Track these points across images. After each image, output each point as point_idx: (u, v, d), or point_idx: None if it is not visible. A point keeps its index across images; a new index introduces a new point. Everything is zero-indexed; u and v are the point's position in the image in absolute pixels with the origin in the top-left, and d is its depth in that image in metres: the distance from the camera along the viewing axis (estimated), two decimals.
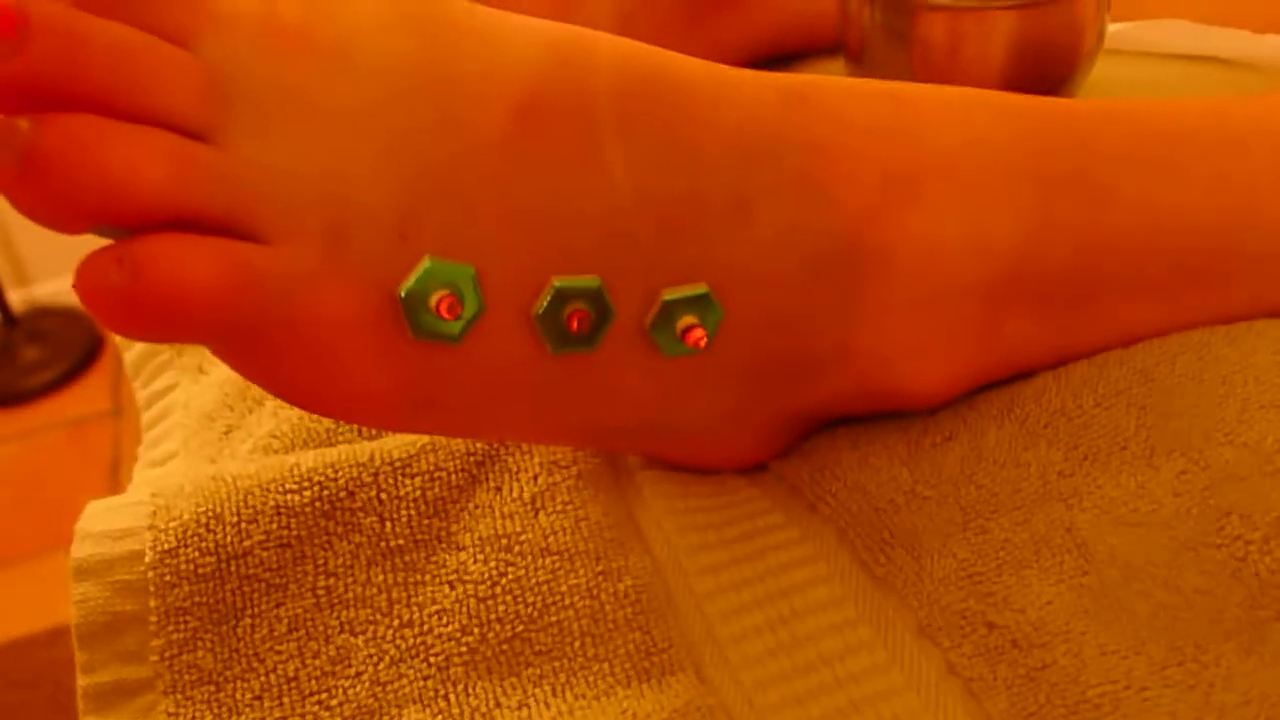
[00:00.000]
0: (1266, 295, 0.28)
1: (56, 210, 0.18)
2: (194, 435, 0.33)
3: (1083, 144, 0.27)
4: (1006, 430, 0.27)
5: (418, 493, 0.27)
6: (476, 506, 0.27)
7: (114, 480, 1.41)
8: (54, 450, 1.48)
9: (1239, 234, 0.28)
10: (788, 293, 0.24)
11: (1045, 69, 0.35)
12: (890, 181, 0.25)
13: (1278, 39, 0.44)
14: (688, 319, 0.23)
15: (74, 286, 0.19)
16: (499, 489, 0.27)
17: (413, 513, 0.27)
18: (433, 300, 0.20)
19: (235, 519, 0.26)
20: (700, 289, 0.23)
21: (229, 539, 0.26)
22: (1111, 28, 0.43)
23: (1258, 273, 0.28)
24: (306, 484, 0.27)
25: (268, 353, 0.20)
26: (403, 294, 0.20)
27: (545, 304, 0.22)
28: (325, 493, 0.27)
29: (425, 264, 0.21)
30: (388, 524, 0.26)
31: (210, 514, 0.26)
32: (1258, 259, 0.28)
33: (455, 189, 0.21)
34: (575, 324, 0.22)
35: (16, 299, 1.72)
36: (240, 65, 0.20)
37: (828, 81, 0.26)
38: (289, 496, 0.27)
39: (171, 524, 0.26)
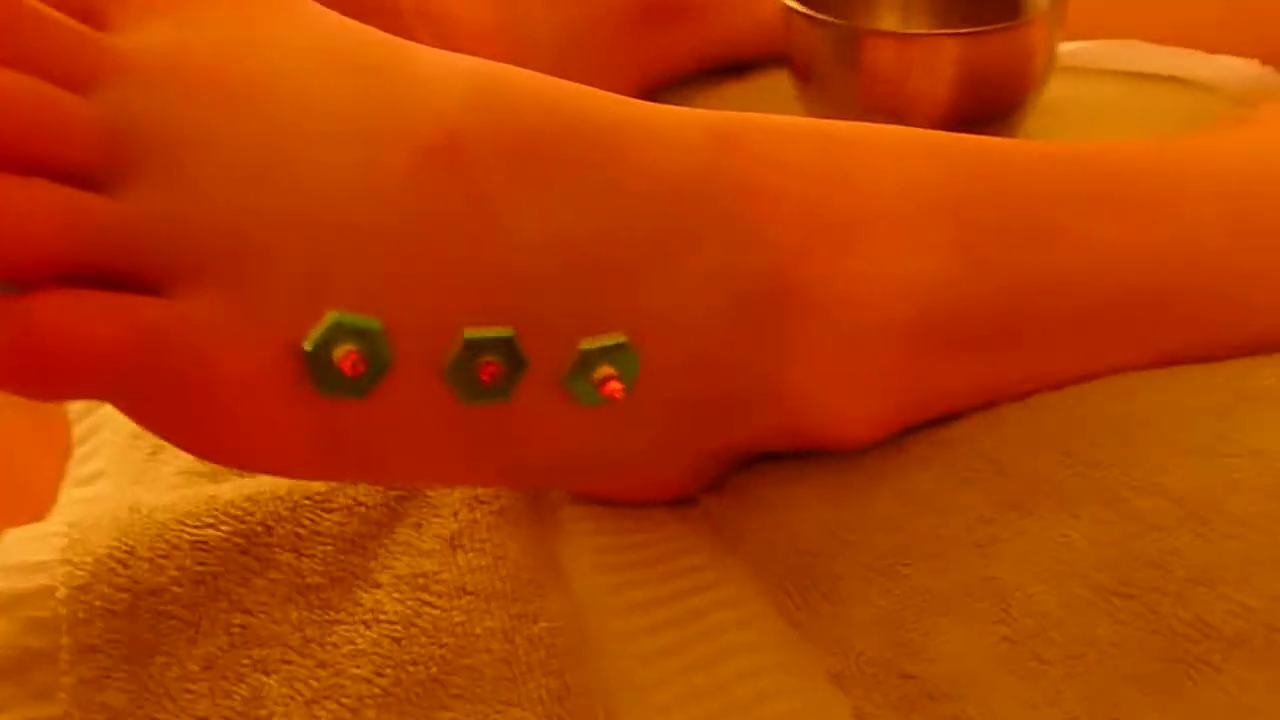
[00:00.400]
0: (1202, 336, 0.28)
1: None
2: (121, 455, 0.32)
3: (1018, 186, 0.27)
4: (932, 474, 0.27)
5: (336, 528, 0.27)
6: (395, 543, 0.26)
7: None
8: (14, 433, 1.46)
9: (1176, 272, 0.28)
10: (713, 335, 0.24)
11: (994, 95, 0.35)
12: (820, 224, 0.24)
13: (1230, 60, 0.44)
14: (605, 370, 0.22)
15: None
16: (419, 525, 0.27)
17: (330, 549, 0.26)
18: (337, 355, 0.20)
19: (150, 554, 0.26)
20: (618, 338, 0.23)
21: (144, 574, 0.26)
22: (1067, 46, 0.43)
23: (1194, 311, 0.28)
24: (224, 518, 0.26)
25: (168, 410, 0.20)
26: (307, 349, 0.20)
27: (455, 356, 0.21)
28: (243, 527, 0.26)
29: (330, 318, 0.20)
30: (305, 560, 0.26)
31: (125, 548, 0.26)
32: (1190, 292, 0.28)
33: (365, 238, 0.21)
34: (487, 376, 0.21)
35: None
36: (141, 110, 0.20)
37: (761, 121, 0.25)
38: (206, 531, 0.26)
39: (86, 558, 0.26)
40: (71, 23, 0.20)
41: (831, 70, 0.35)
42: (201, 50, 0.21)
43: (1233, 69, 0.45)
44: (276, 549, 0.26)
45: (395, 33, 0.34)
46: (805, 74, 0.36)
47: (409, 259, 0.21)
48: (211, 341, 0.20)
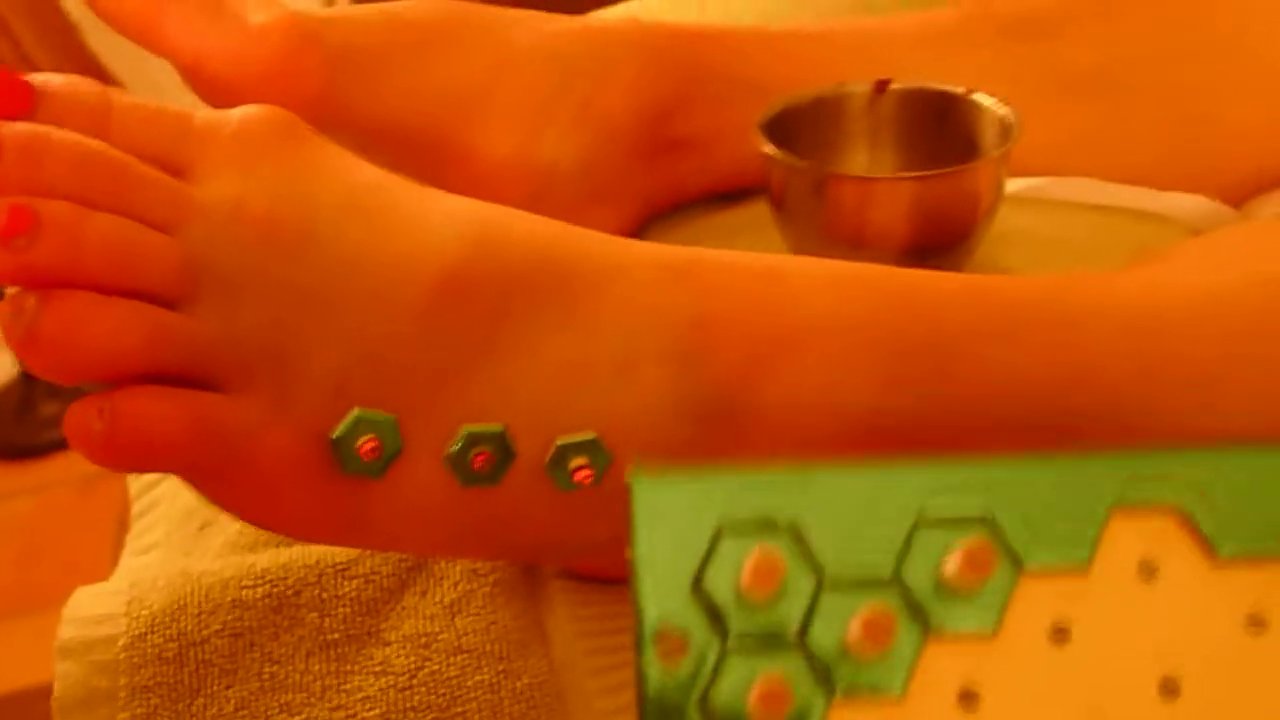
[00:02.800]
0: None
1: (57, 370, 0.23)
2: (175, 529, 0.37)
3: (935, 316, 0.31)
4: None
5: (355, 593, 0.31)
6: (404, 607, 0.31)
7: (119, 539, 1.45)
8: (63, 506, 1.52)
9: (1071, 394, 0.32)
10: (674, 440, 0.29)
11: (945, 229, 0.40)
12: (760, 348, 0.29)
13: (1180, 195, 0.49)
14: (578, 460, 0.27)
15: (63, 429, 0.23)
16: (424, 593, 0.31)
17: (349, 610, 0.31)
18: (358, 443, 0.25)
19: (197, 610, 0.31)
20: (589, 435, 0.27)
21: (190, 627, 0.30)
22: (1026, 181, 0.48)
23: (1091, 428, 0.32)
24: (261, 581, 0.31)
25: (224, 484, 0.25)
26: (333, 438, 0.25)
27: (456, 446, 0.26)
28: (276, 590, 0.31)
29: (354, 414, 0.25)
30: (327, 620, 0.31)
31: (177, 605, 0.31)
32: (1089, 416, 0.32)
33: (382, 354, 0.26)
34: (480, 463, 0.26)
35: None
36: (211, 249, 0.25)
37: (715, 258, 0.30)
38: (244, 592, 0.31)
39: (143, 613, 0.30)
40: (162, 176, 0.26)
41: (801, 205, 0.40)
42: (257, 201, 0.26)
43: (1183, 203, 0.49)
44: (304, 609, 0.31)
45: (427, 168, 0.40)
46: (779, 206, 0.41)
47: (418, 370, 0.26)
48: (259, 433, 0.25)
